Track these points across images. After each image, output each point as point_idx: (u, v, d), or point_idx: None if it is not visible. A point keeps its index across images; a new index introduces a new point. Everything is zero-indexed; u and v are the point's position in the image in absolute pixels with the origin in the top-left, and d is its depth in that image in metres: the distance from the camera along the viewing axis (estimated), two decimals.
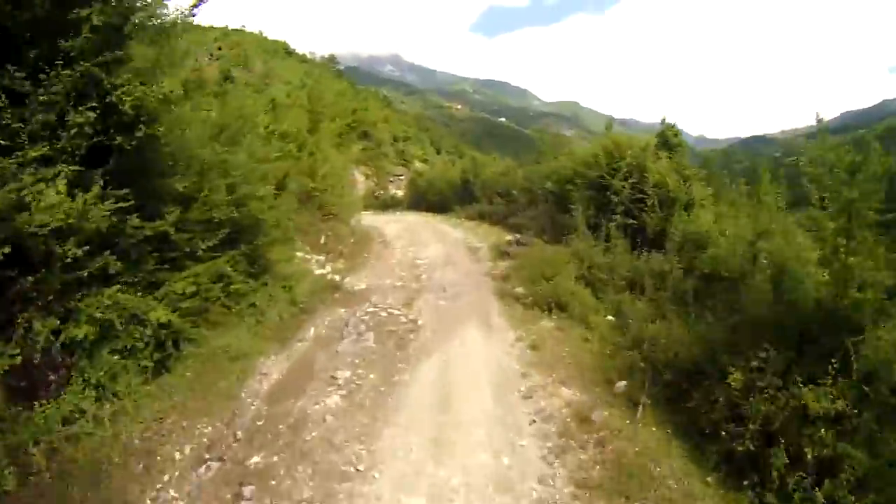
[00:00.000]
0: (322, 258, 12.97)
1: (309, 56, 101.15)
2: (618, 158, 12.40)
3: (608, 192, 11.99)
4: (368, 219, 21.57)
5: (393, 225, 20.46)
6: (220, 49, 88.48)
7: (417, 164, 65.08)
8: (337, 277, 11.54)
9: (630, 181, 11.92)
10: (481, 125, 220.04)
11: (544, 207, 14.99)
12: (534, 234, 13.91)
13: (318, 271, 11.74)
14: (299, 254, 12.49)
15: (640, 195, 11.48)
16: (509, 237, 15.14)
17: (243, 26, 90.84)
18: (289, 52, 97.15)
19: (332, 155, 15.37)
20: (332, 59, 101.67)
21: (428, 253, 14.51)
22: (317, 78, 72.51)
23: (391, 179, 74.11)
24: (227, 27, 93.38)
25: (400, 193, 50.08)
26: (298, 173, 14.23)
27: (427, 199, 31.46)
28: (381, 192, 49.85)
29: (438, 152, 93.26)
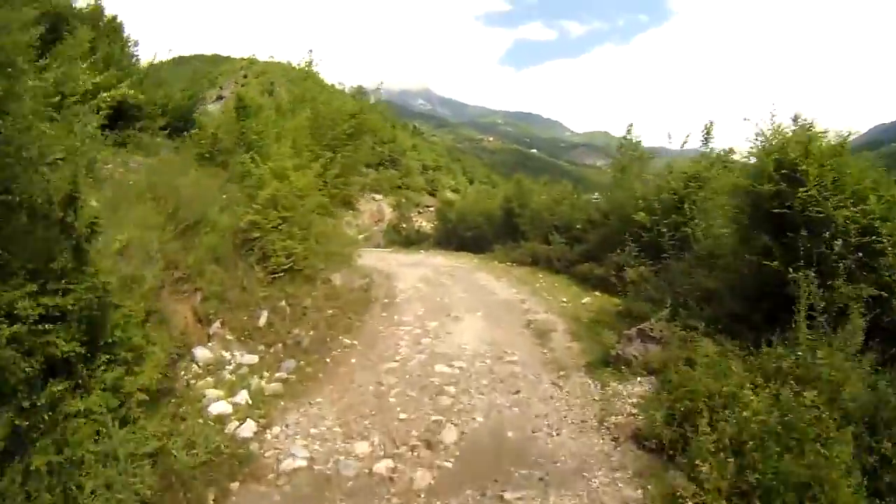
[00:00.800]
0: (247, 359, 6.44)
1: (338, 86, 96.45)
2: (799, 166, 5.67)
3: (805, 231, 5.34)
4: (383, 261, 16.02)
5: (411, 272, 14.02)
6: (245, 77, 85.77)
7: (448, 194, 58.96)
8: (247, 428, 4.98)
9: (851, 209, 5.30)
10: (513, 157, 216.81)
11: (687, 263, 7.99)
12: (664, 315, 6.81)
13: (213, 406, 5.20)
14: (200, 353, 6.09)
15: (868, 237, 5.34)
16: (597, 304, 8.40)
17: (271, 56, 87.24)
18: (315, 80, 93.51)
19: (289, 172, 8.90)
20: (360, 91, 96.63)
21: (461, 338, 7.93)
22: (327, 93, 68.03)
23: (420, 211, 68.17)
24: (253, 56, 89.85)
25: (428, 227, 43.78)
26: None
27: (459, 235, 25.02)
28: (405, 225, 43.37)
29: (471, 182, 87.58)
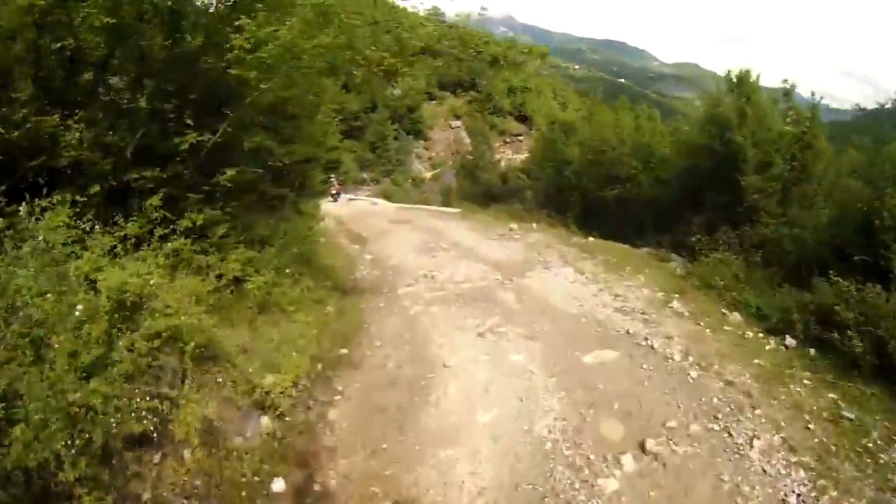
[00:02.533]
0: None
1: (410, 8, 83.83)
2: None
3: None
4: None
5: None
6: None
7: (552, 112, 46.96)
8: None
9: None
10: (601, 86, 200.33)
11: None
12: None
13: None
14: None
15: None
16: None
17: None
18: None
19: None
20: (435, 12, 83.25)
21: None
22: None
23: (506, 140, 56.36)
24: None
25: (519, 159, 32.42)
26: None
27: (587, 195, 14.46)
28: (482, 167, 30.55)
29: (564, 109, 73.74)
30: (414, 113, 52.09)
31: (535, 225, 15.41)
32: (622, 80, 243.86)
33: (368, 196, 32.40)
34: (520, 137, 57.43)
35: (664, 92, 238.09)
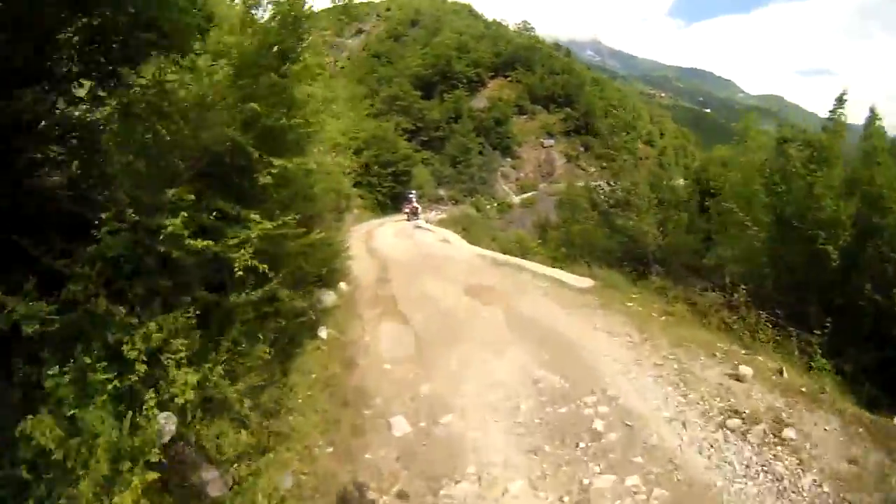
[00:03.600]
0: None
1: (499, 20, 78.26)
2: None
3: None
4: None
5: None
6: (388, 10, 76.33)
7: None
8: None
9: None
10: (686, 115, 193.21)
11: None
12: None
13: None
14: None
15: None
16: None
17: None
18: (474, 15, 76.44)
19: None
20: (525, 26, 77.46)
21: None
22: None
23: (603, 166, 48.96)
24: None
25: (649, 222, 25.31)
26: None
27: None
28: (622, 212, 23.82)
29: (661, 135, 66.41)
30: (502, 127, 45.71)
31: (780, 367, 5.98)
32: (707, 110, 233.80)
33: (441, 216, 25.72)
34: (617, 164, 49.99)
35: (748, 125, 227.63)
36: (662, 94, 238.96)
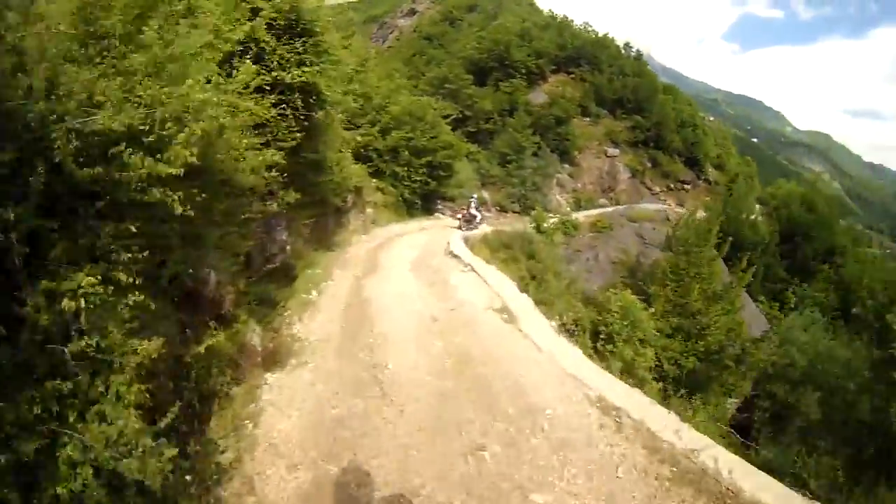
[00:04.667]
0: None
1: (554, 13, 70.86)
2: None
3: None
4: None
5: None
6: None
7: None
8: None
9: None
10: (733, 142, 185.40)
11: None
12: None
13: None
14: None
15: None
16: None
17: None
18: (536, 9, 69.39)
19: None
20: (587, 27, 70.13)
21: None
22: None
23: (671, 186, 42.20)
24: None
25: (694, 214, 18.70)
26: None
27: None
28: None
29: (729, 162, 59.44)
30: (562, 127, 39.03)
31: None
32: (755, 140, 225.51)
33: (485, 228, 19.61)
34: (686, 186, 42.94)
35: (795, 160, 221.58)
36: (711, 118, 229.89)
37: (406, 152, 21.80)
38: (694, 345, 11.95)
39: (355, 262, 12.98)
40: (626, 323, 10.01)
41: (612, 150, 40.20)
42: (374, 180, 21.19)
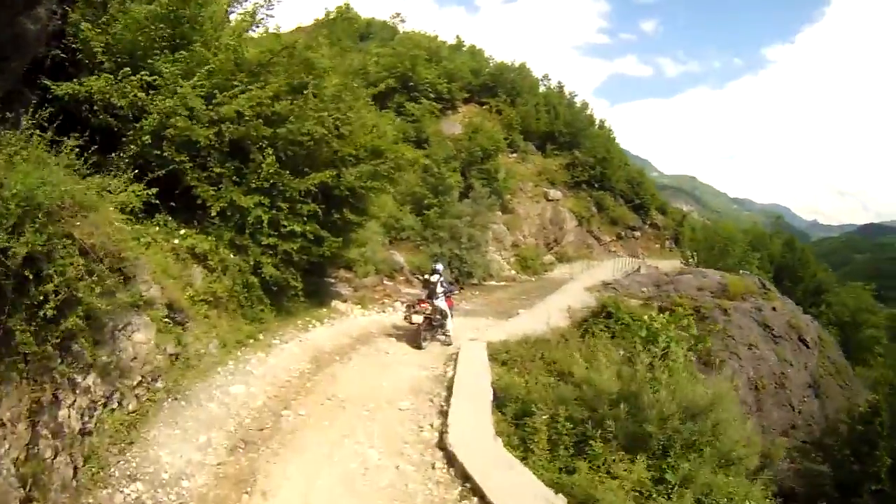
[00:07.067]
0: None
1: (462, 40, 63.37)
2: None
3: None
4: None
5: None
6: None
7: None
8: None
9: None
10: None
11: None
12: None
13: None
14: None
15: None
16: None
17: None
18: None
19: None
20: (474, 47, 63.32)
21: None
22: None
23: (620, 234, 33.85)
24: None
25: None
26: None
27: None
28: None
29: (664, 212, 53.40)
30: (487, 163, 29.21)
31: None
32: None
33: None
34: (635, 233, 34.84)
35: (665, 202, 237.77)
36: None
37: (271, 158, 10.04)
38: None
39: None
40: None
41: (553, 193, 31.00)
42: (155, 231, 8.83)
